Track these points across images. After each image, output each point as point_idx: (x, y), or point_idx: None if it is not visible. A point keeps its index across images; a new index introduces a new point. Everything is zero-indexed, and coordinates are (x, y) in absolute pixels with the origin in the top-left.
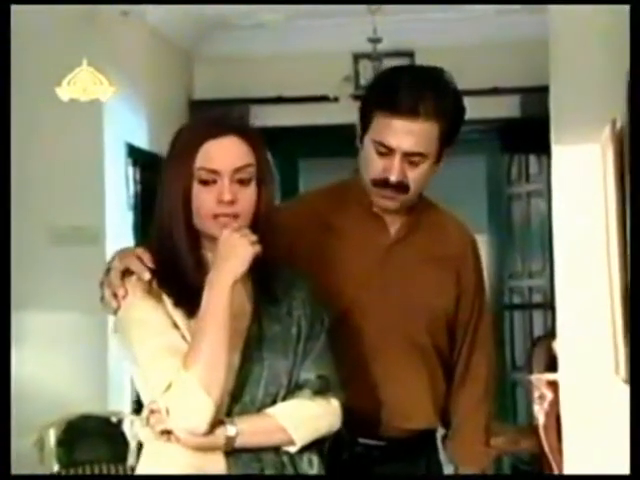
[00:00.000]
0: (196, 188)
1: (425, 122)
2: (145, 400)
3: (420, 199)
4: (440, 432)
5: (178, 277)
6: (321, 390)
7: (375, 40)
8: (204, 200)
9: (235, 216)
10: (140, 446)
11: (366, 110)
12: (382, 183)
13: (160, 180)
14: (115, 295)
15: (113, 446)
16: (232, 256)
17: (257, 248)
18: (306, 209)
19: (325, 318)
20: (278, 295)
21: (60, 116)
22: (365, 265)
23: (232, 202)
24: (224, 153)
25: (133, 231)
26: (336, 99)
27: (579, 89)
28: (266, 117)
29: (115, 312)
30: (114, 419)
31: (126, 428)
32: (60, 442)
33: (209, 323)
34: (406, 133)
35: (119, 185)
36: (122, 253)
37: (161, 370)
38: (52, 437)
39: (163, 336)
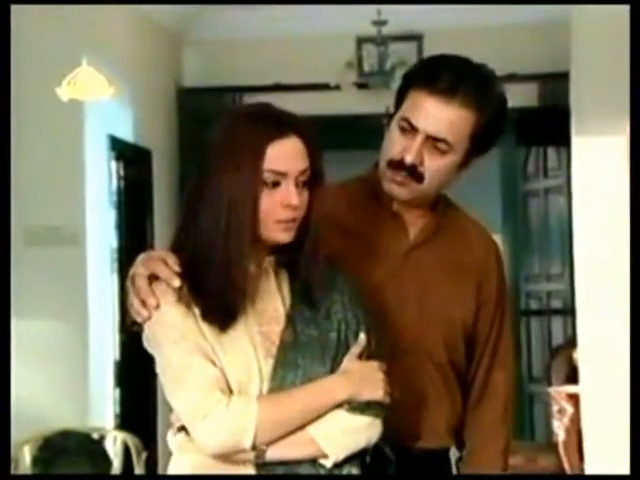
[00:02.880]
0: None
1: (460, 109)
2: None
3: (442, 199)
4: (455, 453)
5: (225, 286)
6: (359, 408)
7: (380, 22)
8: (269, 204)
9: (294, 220)
10: (125, 464)
11: (402, 88)
12: (396, 164)
13: (207, 180)
14: (144, 303)
15: (94, 465)
16: (363, 384)
17: (387, 399)
18: None
19: (369, 325)
20: (317, 298)
21: (36, 106)
22: (381, 271)
23: (297, 206)
24: (290, 154)
25: (116, 230)
26: (338, 87)
27: (603, 75)
28: None
29: (145, 322)
30: (95, 435)
31: (109, 445)
32: (36, 461)
33: (303, 400)
34: (436, 114)
35: (101, 181)
36: (145, 257)
37: (194, 373)
38: (27, 455)
39: (195, 342)
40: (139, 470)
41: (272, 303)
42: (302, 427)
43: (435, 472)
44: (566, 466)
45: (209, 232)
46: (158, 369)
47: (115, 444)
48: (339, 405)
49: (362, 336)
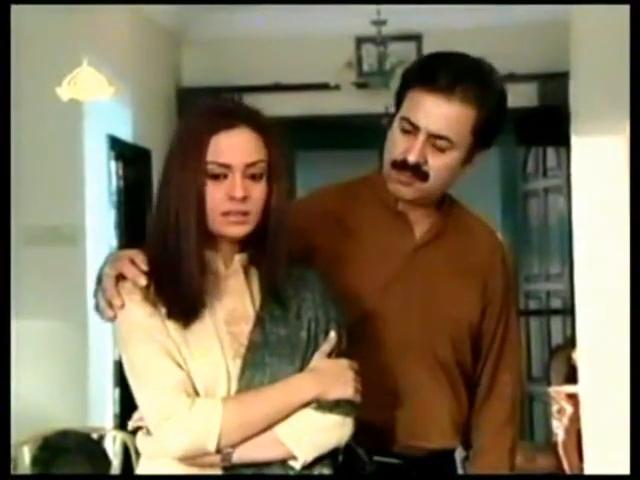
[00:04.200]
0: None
1: (460, 105)
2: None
3: (446, 199)
4: (460, 452)
5: (179, 282)
6: (328, 407)
7: (379, 22)
8: (213, 196)
9: (245, 214)
10: (124, 464)
11: (401, 89)
12: (400, 165)
13: (164, 176)
14: (111, 304)
15: (94, 465)
16: (332, 382)
17: (358, 397)
18: (322, 207)
19: (341, 323)
20: (286, 297)
21: (36, 106)
22: (386, 271)
23: (244, 199)
24: (236, 146)
25: (115, 230)
26: (337, 87)
27: (602, 75)
28: (262, 106)
29: (111, 321)
30: (95, 435)
31: (108, 445)
32: (35, 460)
33: (270, 400)
34: (437, 113)
35: (100, 181)
36: (113, 257)
37: (158, 373)
38: (26, 455)
39: (161, 342)
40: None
41: (242, 302)
42: (269, 427)
43: (440, 473)
44: (565, 466)
45: (163, 229)
46: (125, 368)
47: (115, 444)
48: (307, 404)
49: (332, 334)
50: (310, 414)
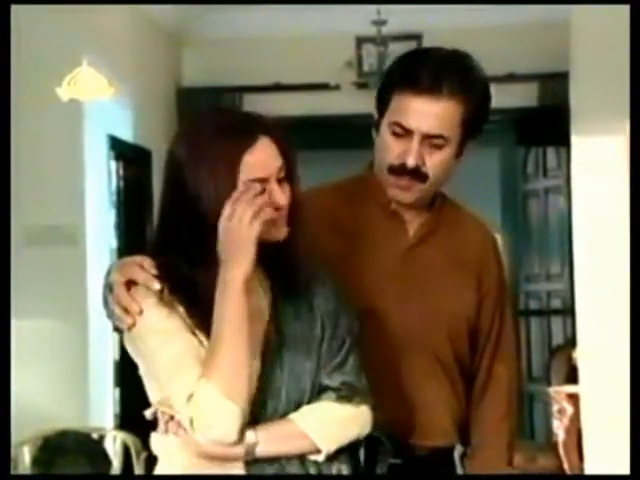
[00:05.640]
0: None
1: (448, 101)
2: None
3: (439, 196)
4: (459, 449)
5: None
6: (346, 396)
7: (380, 22)
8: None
9: (282, 216)
10: (124, 464)
11: (384, 91)
12: (399, 169)
13: (189, 191)
14: (127, 310)
15: (94, 465)
16: (235, 249)
17: (256, 226)
18: (315, 207)
19: (352, 314)
20: (299, 292)
21: (36, 106)
22: (382, 270)
23: (286, 204)
24: (266, 158)
25: (115, 230)
26: (337, 87)
27: (602, 75)
28: (261, 106)
29: (129, 329)
30: (95, 435)
31: (108, 445)
32: (36, 461)
33: (226, 327)
34: (427, 113)
35: (100, 181)
36: (120, 265)
37: (184, 377)
38: (27, 455)
39: (183, 342)
40: (139, 470)
41: (255, 300)
42: (291, 421)
43: (440, 471)
44: (566, 466)
45: (192, 248)
46: (141, 370)
47: (115, 444)
48: (326, 396)
49: None
50: (330, 406)
